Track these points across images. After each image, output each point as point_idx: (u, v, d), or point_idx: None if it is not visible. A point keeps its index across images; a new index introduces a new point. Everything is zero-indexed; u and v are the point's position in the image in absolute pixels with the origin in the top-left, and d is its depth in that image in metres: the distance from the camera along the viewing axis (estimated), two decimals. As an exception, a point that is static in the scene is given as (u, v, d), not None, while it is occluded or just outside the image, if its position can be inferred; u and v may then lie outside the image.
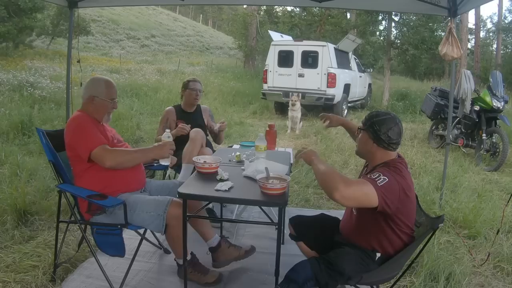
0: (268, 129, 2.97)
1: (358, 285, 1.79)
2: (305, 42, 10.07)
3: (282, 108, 10.00)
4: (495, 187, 4.47)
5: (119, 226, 2.01)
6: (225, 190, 1.84)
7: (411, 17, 13.20)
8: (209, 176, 2.05)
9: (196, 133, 2.95)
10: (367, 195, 1.55)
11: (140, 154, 2.11)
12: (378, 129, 1.72)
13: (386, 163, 1.73)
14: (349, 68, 10.43)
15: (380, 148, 1.74)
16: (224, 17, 41.05)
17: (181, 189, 1.85)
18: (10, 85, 8.11)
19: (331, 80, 8.92)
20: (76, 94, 5.55)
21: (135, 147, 2.53)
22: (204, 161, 2.13)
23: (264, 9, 19.82)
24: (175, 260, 2.27)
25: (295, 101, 7.95)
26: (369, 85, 12.85)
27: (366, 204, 1.58)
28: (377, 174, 1.62)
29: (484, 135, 5.54)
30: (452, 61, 3.46)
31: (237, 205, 3.28)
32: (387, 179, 1.59)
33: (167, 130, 2.30)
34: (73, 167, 2.13)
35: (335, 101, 9.04)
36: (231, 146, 3.37)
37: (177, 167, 3.18)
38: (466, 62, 16.15)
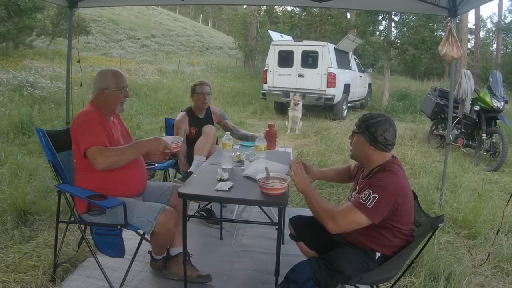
0: (268, 129, 2.96)
1: (358, 285, 1.79)
2: (305, 42, 10.08)
3: (282, 108, 10.01)
4: (495, 187, 4.47)
5: (118, 227, 2.00)
6: (225, 190, 1.84)
7: (411, 17, 13.19)
8: (209, 176, 2.05)
9: (210, 129, 3.08)
10: (358, 223, 1.64)
11: (133, 151, 2.03)
12: (374, 131, 1.72)
13: (382, 165, 1.74)
14: (349, 68, 10.43)
15: (376, 150, 1.75)
16: (224, 17, 41.11)
17: (181, 189, 1.84)
18: (10, 85, 8.11)
19: (331, 80, 8.92)
20: (76, 94, 5.55)
21: None
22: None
23: (264, 9, 19.82)
24: (149, 252, 2.33)
25: (298, 100, 7.95)
26: (369, 85, 12.85)
27: (361, 226, 1.66)
28: (367, 194, 1.63)
29: (484, 135, 5.53)
30: (452, 61, 3.46)
31: (237, 205, 3.28)
32: (378, 196, 1.61)
33: (227, 133, 2.41)
34: (76, 162, 2.09)
35: (335, 101, 9.04)
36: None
37: (177, 167, 3.20)
38: (466, 62, 16.14)
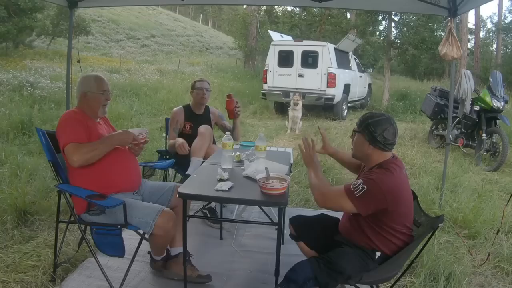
0: (227, 99, 3.00)
1: (358, 285, 1.79)
2: (305, 42, 10.08)
3: (282, 108, 10.01)
4: (495, 187, 4.47)
5: (118, 226, 2.00)
6: (225, 190, 1.84)
7: (411, 17, 13.19)
8: (209, 176, 2.05)
9: (205, 129, 3.06)
10: (343, 207, 1.71)
11: (105, 145, 2.09)
12: (373, 131, 1.72)
13: (380, 164, 1.74)
14: (349, 68, 10.43)
15: (376, 150, 1.75)
16: (224, 17, 41.10)
17: (181, 189, 1.84)
18: (10, 85, 8.09)
19: (331, 80, 8.93)
20: (76, 94, 5.54)
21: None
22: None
23: (264, 9, 19.82)
24: (149, 252, 2.34)
25: (297, 100, 7.95)
26: (369, 85, 12.86)
27: (344, 211, 1.72)
28: (358, 183, 1.66)
29: (484, 135, 5.54)
30: (452, 61, 3.46)
31: (237, 205, 3.28)
32: (366, 188, 1.63)
33: (227, 133, 2.38)
34: (66, 162, 2.13)
35: (335, 101, 9.04)
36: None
37: (177, 167, 3.20)
38: (466, 62, 16.13)
